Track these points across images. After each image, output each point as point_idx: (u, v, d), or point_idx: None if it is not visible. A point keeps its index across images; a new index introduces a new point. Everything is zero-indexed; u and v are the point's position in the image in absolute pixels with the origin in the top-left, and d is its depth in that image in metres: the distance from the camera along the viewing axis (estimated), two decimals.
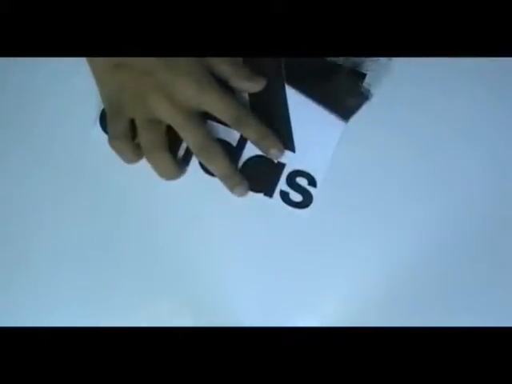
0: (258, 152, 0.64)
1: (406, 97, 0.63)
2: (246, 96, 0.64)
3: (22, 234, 0.66)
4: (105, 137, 0.64)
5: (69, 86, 0.66)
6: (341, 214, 0.63)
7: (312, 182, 0.64)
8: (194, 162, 0.65)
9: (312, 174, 0.64)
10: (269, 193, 0.64)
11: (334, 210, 0.63)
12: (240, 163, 0.64)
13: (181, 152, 0.64)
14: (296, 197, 0.64)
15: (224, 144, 0.64)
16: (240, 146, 0.64)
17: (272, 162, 0.64)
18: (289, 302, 0.63)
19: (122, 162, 0.64)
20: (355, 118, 0.63)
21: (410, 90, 0.63)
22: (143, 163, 0.63)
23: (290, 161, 0.64)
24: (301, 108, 0.64)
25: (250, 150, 0.64)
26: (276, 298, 0.63)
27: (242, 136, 0.64)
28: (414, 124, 0.63)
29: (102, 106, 0.65)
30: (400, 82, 0.63)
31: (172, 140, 0.63)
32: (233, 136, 0.64)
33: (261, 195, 0.64)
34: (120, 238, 0.65)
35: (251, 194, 0.64)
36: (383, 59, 0.63)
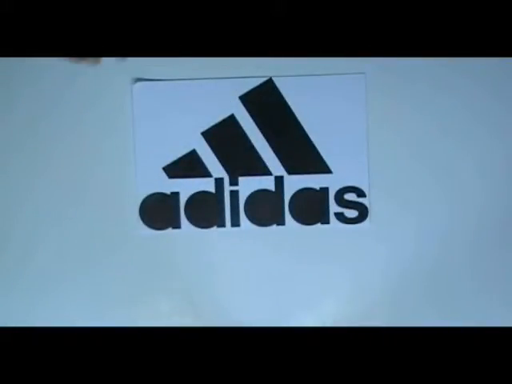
0: (298, 186, 0.64)
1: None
2: (263, 139, 0.64)
3: (23, 233, 0.66)
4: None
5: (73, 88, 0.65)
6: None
7: (360, 192, 0.63)
8: None
9: (357, 185, 0.63)
10: (325, 220, 0.64)
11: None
12: (286, 203, 0.64)
13: None
14: (351, 213, 0.64)
15: (264, 193, 0.64)
16: (278, 188, 0.64)
17: (315, 191, 0.64)
18: (289, 303, 0.64)
19: (122, 164, 0.65)
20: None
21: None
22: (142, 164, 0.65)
23: (331, 182, 0.64)
24: (317, 127, 0.64)
25: (290, 189, 0.64)
26: (276, 297, 0.64)
27: (277, 178, 0.64)
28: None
29: None
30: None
31: None
32: (267, 182, 0.65)
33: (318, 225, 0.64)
34: (120, 237, 0.66)
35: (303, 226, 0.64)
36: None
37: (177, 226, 0.66)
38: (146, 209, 0.65)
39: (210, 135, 0.65)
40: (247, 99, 0.65)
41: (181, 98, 0.65)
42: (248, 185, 0.65)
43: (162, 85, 0.65)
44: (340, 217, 0.64)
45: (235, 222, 0.65)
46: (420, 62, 0.61)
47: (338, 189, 0.64)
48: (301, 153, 0.64)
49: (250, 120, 0.65)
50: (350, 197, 0.63)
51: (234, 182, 0.65)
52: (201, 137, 0.65)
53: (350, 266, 0.64)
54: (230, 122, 0.65)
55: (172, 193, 0.65)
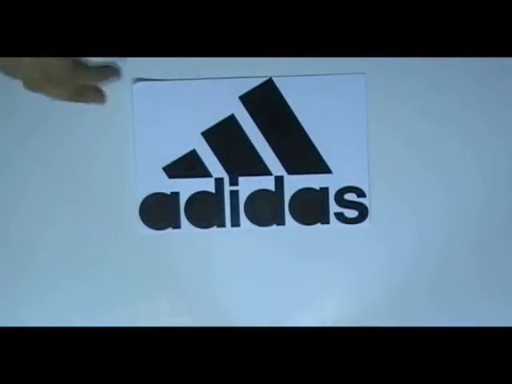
0: (298, 186, 0.64)
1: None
2: (263, 139, 0.64)
3: (23, 233, 0.66)
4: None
5: None
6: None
7: (360, 192, 0.63)
8: None
9: (357, 185, 0.63)
10: (325, 220, 0.64)
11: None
12: (286, 203, 0.64)
13: None
14: (351, 213, 0.64)
15: (264, 193, 0.64)
16: (278, 188, 0.64)
17: (315, 191, 0.64)
18: (289, 303, 0.64)
19: (122, 164, 0.65)
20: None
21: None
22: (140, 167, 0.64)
23: (331, 182, 0.64)
24: (317, 127, 0.64)
25: (290, 189, 0.64)
26: (276, 298, 0.65)
27: (277, 178, 0.64)
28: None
29: None
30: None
31: None
32: (267, 182, 0.65)
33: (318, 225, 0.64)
34: (120, 237, 0.66)
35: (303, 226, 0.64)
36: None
37: (177, 226, 0.66)
38: (146, 209, 0.65)
39: (210, 135, 0.65)
40: (247, 99, 0.65)
41: (181, 98, 0.65)
42: (248, 185, 0.65)
43: (162, 85, 0.65)
44: (340, 217, 0.64)
45: (235, 222, 0.65)
46: (420, 62, 0.61)
47: (338, 189, 0.64)
48: (301, 153, 0.64)
49: (250, 120, 0.65)
50: (350, 197, 0.63)
51: (234, 182, 0.65)
52: (201, 137, 0.65)
53: (350, 266, 0.64)
54: (230, 122, 0.65)
55: (172, 193, 0.65)
